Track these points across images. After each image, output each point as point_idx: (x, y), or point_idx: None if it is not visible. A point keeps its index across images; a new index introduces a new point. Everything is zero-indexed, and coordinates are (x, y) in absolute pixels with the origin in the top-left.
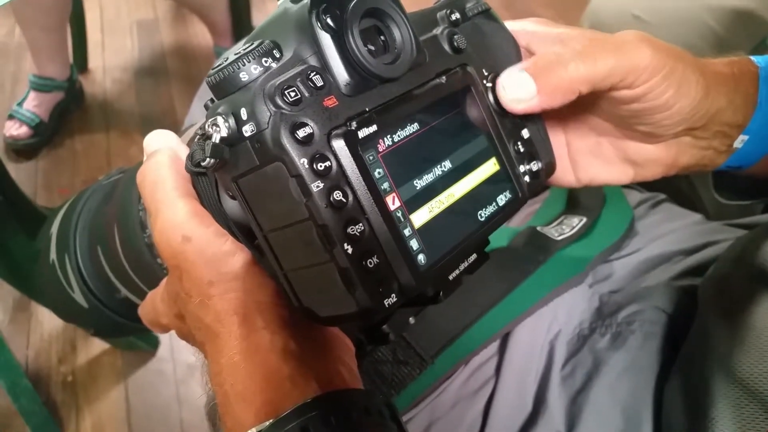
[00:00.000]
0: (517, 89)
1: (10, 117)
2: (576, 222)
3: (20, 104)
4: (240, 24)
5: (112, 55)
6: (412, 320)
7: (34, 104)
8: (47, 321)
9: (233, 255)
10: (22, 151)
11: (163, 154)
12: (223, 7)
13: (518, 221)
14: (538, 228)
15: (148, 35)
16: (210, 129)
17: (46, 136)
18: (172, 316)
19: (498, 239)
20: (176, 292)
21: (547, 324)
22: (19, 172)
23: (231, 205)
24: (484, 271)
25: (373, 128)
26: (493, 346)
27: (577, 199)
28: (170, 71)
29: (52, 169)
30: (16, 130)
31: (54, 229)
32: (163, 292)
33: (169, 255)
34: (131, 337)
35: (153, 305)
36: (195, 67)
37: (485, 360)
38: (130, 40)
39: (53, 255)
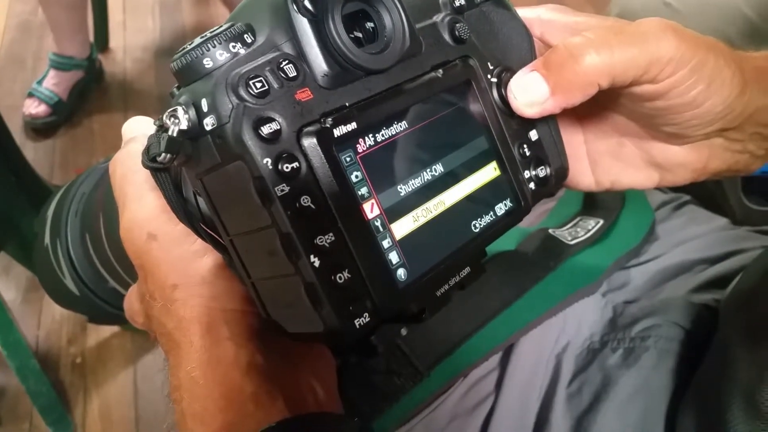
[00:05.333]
0: (529, 92)
1: (30, 95)
2: (592, 224)
3: (40, 82)
4: None
5: (134, 35)
6: (404, 331)
7: (53, 83)
8: None
9: (201, 257)
10: (40, 129)
11: (138, 143)
12: None
13: (529, 221)
14: (551, 231)
15: (170, 16)
16: (168, 120)
17: (64, 115)
18: (145, 315)
19: (505, 241)
20: (143, 293)
21: (555, 336)
22: (37, 151)
23: (202, 203)
24: (488, 277)
25: (352, 126)
26: (495, 359)
27: (594, 199)
28: None
29: (69, 149)
30: (35, 108)
31: (50, 212)
32: (136, 289)
33: (134, 253)
34: None
35: (130, 302)
36: None
37: (485, 374)
38: (152, 21)
39: (47, 239)
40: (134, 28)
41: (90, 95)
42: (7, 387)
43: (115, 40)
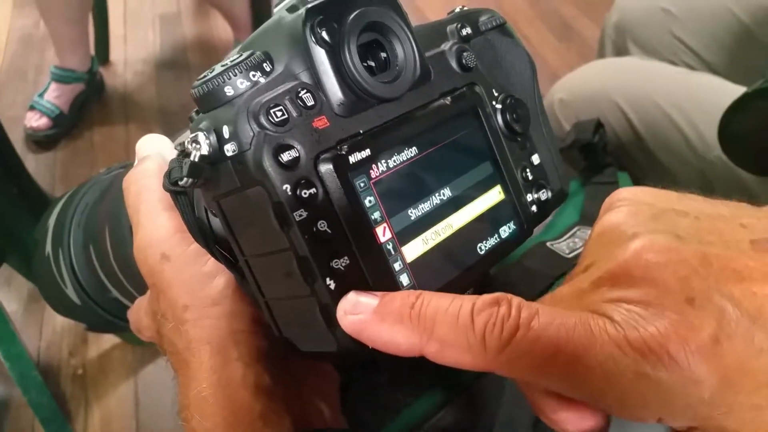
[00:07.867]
0: None
1: (31, 108)
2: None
3: (41, 95)
4: (260, 19)
5: (134, 47)
6: None
7: (54, 95)
8: None
9: (213, 278)
10: (41, 142)
11: (153, 162)
12: (243, 1)
13: None
14: (548, 244)
15: (171, 29)
16: (189, 146)
17: (65, 127)
18: (154, 331)
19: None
20: (154, 311)
21: None
22: (39, 164)
23: (214, 222)
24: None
25: (366, 153)
26: None
27: (591, 210)
28: (191, 65)
29: (70, 161)
30: (36, 121)
31: (51, 221)
32: (147, 305)
33: (147, 273)
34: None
35: (138, 315)
36: (216, 61)
37: (488, 383)
38: (152, 34)
39: (48, 248)
40: (135, 41)
41: (91, 108)
42: (9, 398)
43: (115, 53)
